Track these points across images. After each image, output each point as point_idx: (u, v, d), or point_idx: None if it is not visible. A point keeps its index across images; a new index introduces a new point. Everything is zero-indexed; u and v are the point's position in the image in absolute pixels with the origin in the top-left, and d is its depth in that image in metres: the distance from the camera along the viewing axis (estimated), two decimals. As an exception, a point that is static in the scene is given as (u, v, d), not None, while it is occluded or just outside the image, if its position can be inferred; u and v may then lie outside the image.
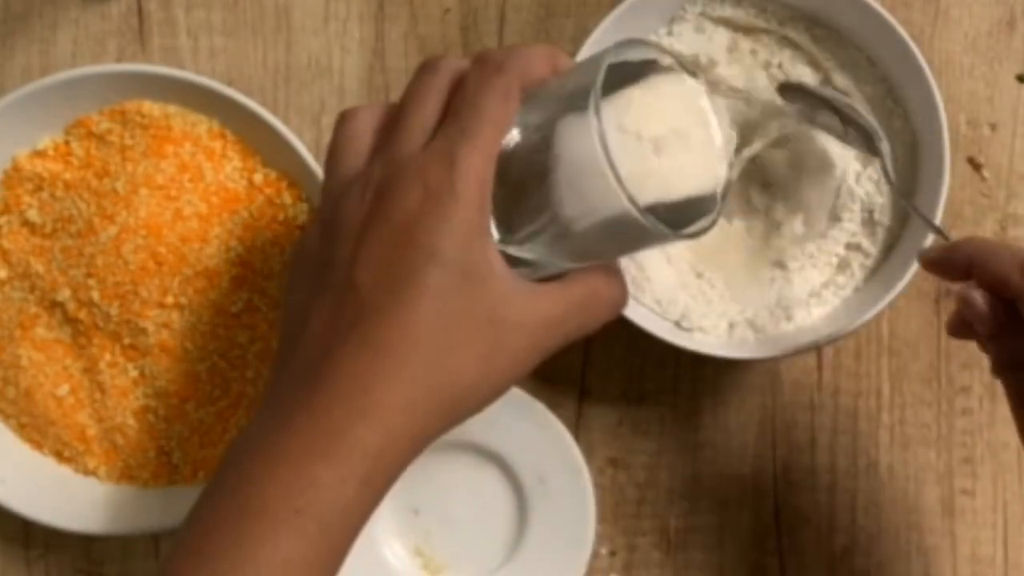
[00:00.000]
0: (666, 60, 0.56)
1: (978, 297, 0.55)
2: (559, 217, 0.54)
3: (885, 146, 0.66)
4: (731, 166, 0.57)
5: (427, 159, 0.54)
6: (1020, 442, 0.56)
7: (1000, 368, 0.57)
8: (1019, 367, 0.56)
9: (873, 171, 0.68)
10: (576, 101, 0.53)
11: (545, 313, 0.55)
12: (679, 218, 0.55)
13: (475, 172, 0.53)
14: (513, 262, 0.55)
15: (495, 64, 0.55)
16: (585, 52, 0.67)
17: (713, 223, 0.56)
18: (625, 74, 0.55)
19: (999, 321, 0.55)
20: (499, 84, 0.54)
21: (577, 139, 0.52)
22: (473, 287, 0.53)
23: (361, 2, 0.73)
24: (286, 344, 0.56)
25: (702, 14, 0.69)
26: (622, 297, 0.58)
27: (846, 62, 0.69)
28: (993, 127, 0.73)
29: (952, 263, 0.58)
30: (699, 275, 0.70)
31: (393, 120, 0.56)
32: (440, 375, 0.53)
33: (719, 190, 0.56)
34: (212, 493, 0.53)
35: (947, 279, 0.59)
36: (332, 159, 0.57)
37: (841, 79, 0.69)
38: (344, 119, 0.58)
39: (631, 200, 0.52)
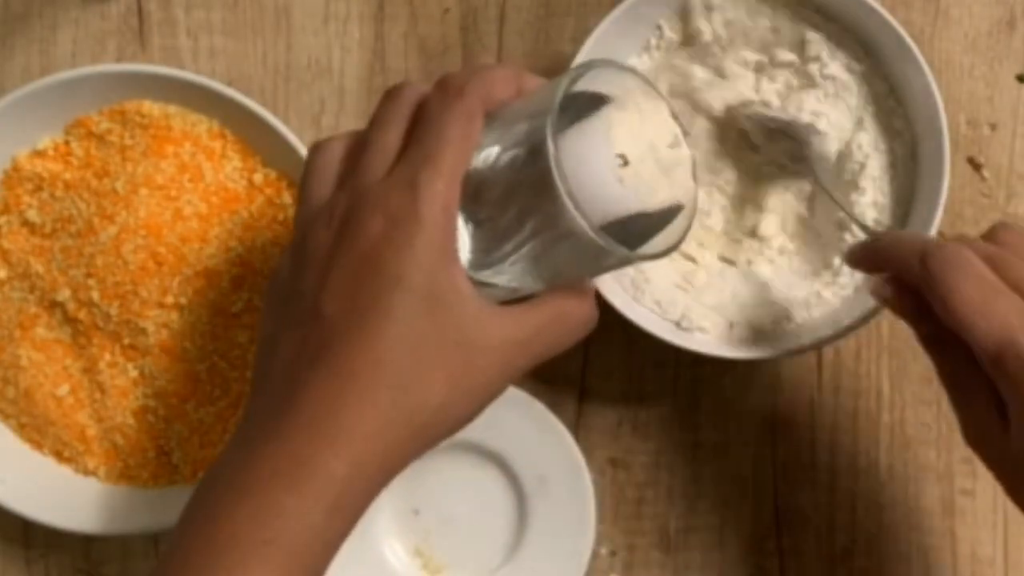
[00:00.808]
0: (635, 80, 0.56)
1: (885, 289, 0.59)
2: (524, 239, 0.54)
3: (820, 150, 0.67)
4: (698, 185, 0.57)
5: (390, 186, 0.54)
6: (952, 409, 0.59)
7: (925, 347, 0.59)
8: (937, 343, 0.58)
9: (875, 170, 0.68)
10: (538, 123, 0.53)
11: (513, 334, 0.55)
12: (647, 237, 0.55)
13: (438, 197, 0.53)
14: (483, 285, 0.55)
15: (456, 88, 0.55)
16: (585, 52, 0.67)
17: (679, 243, 0.56)
18: (596, 94, 0.55)
19: (912, 306, 0.58)
20: (460, 108, 0.54)
21: (539, 161, 0.52)
22: (439, 311, 0.53)
23: (361, 2, 0.73)
24: (258, 374, 0.56)
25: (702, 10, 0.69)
26: (592, 316, 0.58)
27: (850, 58, 0.69)
28: (993, 127, 0.73)
29: (870, 258, 0.61)
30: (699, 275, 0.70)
31: (358, 148, 0.56)
32: (408, 400, 0.53)
33: (688, 209, 0.56)
34: (184, 526, 0.53)
35: (868, 272, 0.62)
36: (302, 190, 0.57)
37: (844, 74, 0.68)
38: (314, 150, 0.58)
39: (588, 223, 0.52)
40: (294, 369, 0.54)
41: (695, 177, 0.56)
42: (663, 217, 0.56)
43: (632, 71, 0.56)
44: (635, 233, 0.55)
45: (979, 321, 0.54)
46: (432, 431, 0.54)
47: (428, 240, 0.53)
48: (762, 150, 0.68)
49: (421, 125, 0.55)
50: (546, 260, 0.55)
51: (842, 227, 0.68)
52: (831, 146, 0.68)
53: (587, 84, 0.54)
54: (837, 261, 0.69)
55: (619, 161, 0.54)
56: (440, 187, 0.53)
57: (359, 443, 0.52)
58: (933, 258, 0.56)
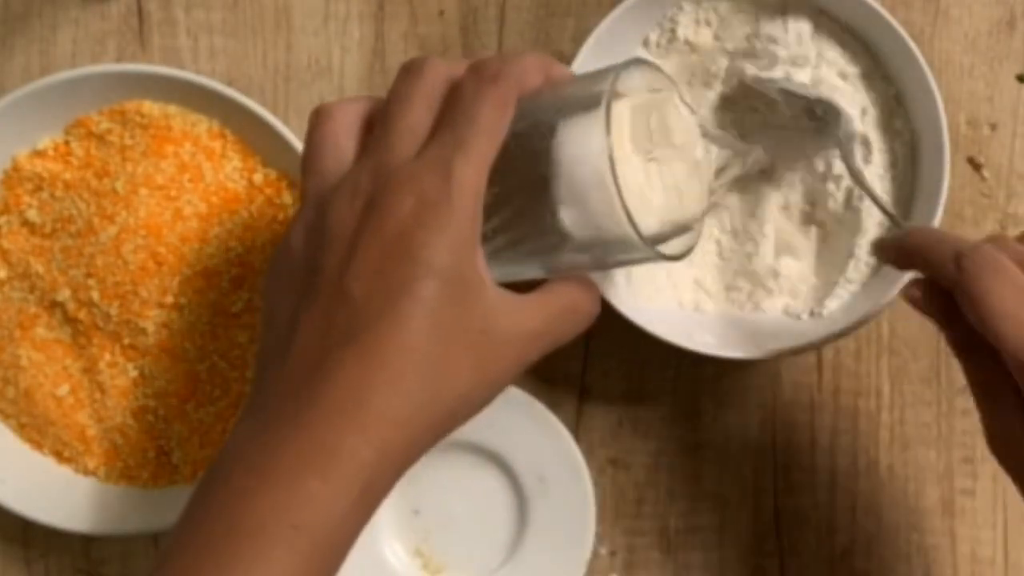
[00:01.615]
0: (662, 81, 0.56)
1: (914, 291, 0.57)
2: (545, 228, 0.54)
3: (846, 130, 0.66)
4: (712, 189, 0.57)
5: (422, 168, 0.53)
6: (979, 418, 0.57)
7: (954, 350, 0.58)
8: (968, 349, 0.57)
9: (876, 169, 0.68)
10: (574, 115, 0.53)
11: (530, 325, 0.55)
12: (662, 237, 0.56)
13: (470, 183, 0.53)
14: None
15: (491, 74, 0.54)
16: (585, 52, 0.67)
17: (694, 245, 0.56)
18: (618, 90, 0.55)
19: (944, 309, 0.56)
20: (496, 95, 0.54)
21: (574, 154, 0.52)
22: (466, 298, 0.53)
23: (361, 2, 0.73)
24: (270, 350, 0.55)
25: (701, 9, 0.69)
26: (597, 308, 0.58)
27: (852, 59, 0.69)
28: (993, 127, 0.73)
29: (900, 253, 0.59)
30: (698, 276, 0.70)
31: (380, 123, 0.56)
32: (434, 387, 0.53)
33: (702, 212, 0.56)
34: (199, 510, 0.52)
35: (898, 268, 0.60)
36: (312, 159, 0.56)
37: (839, 81, 0.69)
38: (320, 117, 0.57)
39: (632, 224, 0.52)
40: (318, 350, 0.53)
41: (712, 177, 0.56)
42: (683, 217, 0.56)
43: (658, 70, 0.56)
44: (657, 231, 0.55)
45: (1010, 328, 0.53)
46: (455, 419, 0.54)
47: (458, 227, 0.52)
48: (786, 122, 0.68)
49: (455, 108, 0.54)
50: (560, 251, 0.55)
51: (850, 230, 0.68)
52: (856, 127, 0.67)
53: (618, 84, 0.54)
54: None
55: (645, 160, 0.54)
56: (472, 174, 0.53)
57: (387, 430, 0.52)
58: (968, 260, 0.54)
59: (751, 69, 0.68)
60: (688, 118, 0.57)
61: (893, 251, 0.59)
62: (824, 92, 0.67)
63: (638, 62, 0.56)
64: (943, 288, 0.56)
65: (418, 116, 0.55)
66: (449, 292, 0.52)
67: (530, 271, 0.56)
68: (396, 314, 0.52)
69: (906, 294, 0.57)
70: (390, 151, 0.54)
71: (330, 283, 0.53)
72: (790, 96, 0.67)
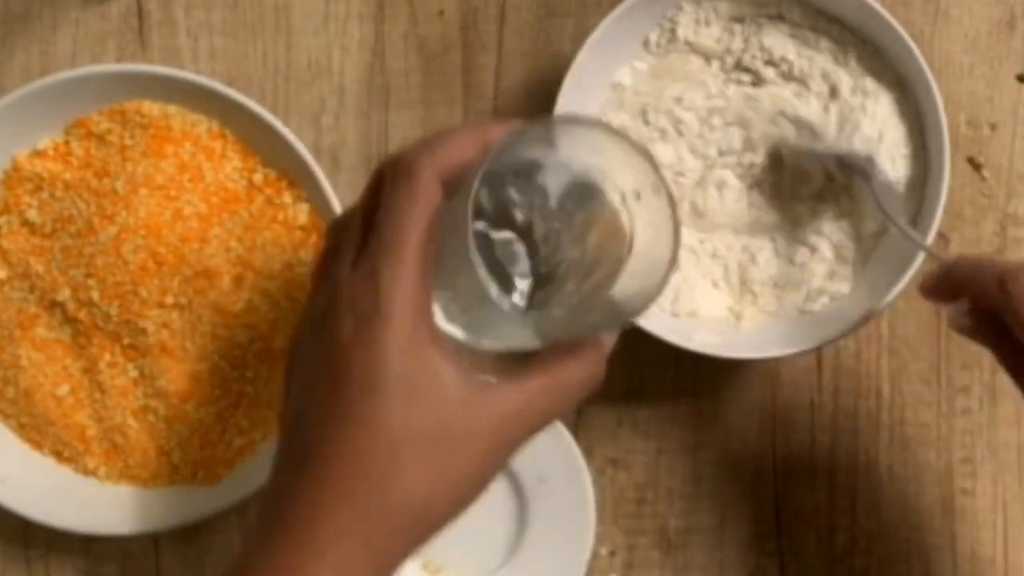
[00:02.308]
0: (605, 134, 0.52)
1: (964, 320, 0.59)
2: (497, 307, 0.51)
3: (881, 180, 0.66)
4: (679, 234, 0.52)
5: (356, 281, 0.52)
6: None
7: (1006, 369, 0.59)
8: (1020, 365, 0.59)
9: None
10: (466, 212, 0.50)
11: (499, 411, 0.53)
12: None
13: (401, 286, 0.51)
14: (479, 346, 0.54)
15: (406, 166, 0.52)
16: (585, 52, 0.67)
17: (657, 295, 0.52)
18: (575, 140, 0.52)
19: (992, 330, 0.58)
20: (410, 191, 0.52)
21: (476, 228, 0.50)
22: (414, 403, 0.51)
23: (361, 2, 0.73)
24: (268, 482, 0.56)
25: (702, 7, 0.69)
26: (595, 375, 0.55)
27: (863, 56, 0.69)
28: (993, 127, 0.73)
29: (946, 287, 0.60)
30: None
31: (341, 230, 0.55)
32: (391, 498, 0.52)
33: (669, 261, 0.52)
34: None
35: (947, 302, 0.61)
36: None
37: (856, 78, 0.69)
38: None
39: (535, 328, 0.51)
40: (278, 477, 0.53)
41: (677, 223, 0.52)
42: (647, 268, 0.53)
43: (598, 124, 0.53)
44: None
45: None
46: (421, 527, 0.53)
47: (395, 335, 0.51)
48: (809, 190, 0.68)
49: (379, 210, 0.53)
50: (523, 326, 0.53)
51: (846, 226, 0.68)
52: (891, 169, 0.68)
53: (564, 145, 0.52)
54: (831, 253, 0.69)
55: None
56: (402, 275, 0.51)
57: (345, 549, 0.51)
58: (1014, 282, 0.56)
59: (788, 139, 0.68)
60: (641, 162, 0.52)
61: (939, 286, 0.61)
62: (855, 145, 0.67)
63: (540, 126, 0.52)
64: (990, 311, 0.58)
65: (359, 221, 0.54)
66: (394, 402, 0.51)
67: (522, 343, 0.54)
68: (342, 435, 0.52)
69: (955, 323, 0.59)
70: (337, 264, 0.54)
71: (292, 409, 0.54)
72: (822, 156, 0.67)
